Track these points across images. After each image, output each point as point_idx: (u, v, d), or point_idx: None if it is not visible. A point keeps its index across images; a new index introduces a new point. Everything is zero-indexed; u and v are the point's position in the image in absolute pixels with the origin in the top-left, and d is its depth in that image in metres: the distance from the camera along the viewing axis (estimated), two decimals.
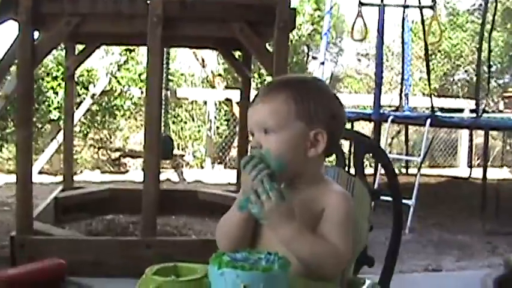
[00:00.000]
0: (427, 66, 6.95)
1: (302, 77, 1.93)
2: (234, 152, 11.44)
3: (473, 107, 10.80)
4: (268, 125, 1.62)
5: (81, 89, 9.44)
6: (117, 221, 5.68)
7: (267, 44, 4.89)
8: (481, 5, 13.92)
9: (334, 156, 1.84)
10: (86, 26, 4.48)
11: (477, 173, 9.68)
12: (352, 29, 7.51)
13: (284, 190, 1.57)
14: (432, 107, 6.84)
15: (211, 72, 10.74)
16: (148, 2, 4.37)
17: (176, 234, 5.38)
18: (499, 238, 5.70)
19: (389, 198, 1.95)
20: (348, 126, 6.67)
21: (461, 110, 10.82)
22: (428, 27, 7.08)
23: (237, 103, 9.75)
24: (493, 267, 4.75)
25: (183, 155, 11.10)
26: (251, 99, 5.78)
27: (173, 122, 10.92)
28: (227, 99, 10.13)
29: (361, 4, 7.04)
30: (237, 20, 4.48)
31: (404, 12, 8.05)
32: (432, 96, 7.19)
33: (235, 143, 11.45)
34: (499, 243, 5.57)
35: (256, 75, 10.20)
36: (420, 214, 6.40)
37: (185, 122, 11.30)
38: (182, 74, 11.74)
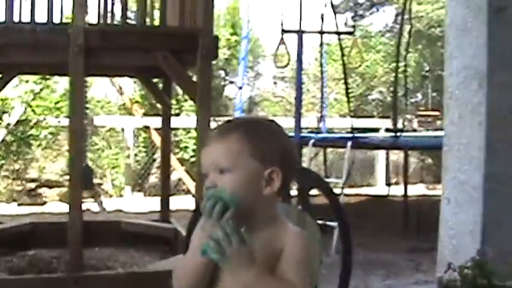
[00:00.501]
0: (346, 88, 7.10)
1: (254, 117, 1.94)
2: (152, 179, 11.32)
3: (389, 125, 11.10)
4: (223, 165, 1.62)
5: None
6: (40, 256, 5.49)
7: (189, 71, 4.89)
8: (392, 27, 14.38)
9: None
10: (3, 56, 4.37)
11: (395, 190, 9.92)
12: (275, 55, 7.60)
13: (244, 234, 1.55)
14: (352, 129, 6.97)
15: (129, 99, 10.62)
16: (69, 31, 4.30)
17: (102, 267, 5.25)
18: (422, 255, 5.81)
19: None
20: None
21: (377, 130, 11.07)
22: (349, 52, 7.23)
23: (156, 129, 9.68)
24: (419, 284, 4.86)
25: (101, 184, 10.91)
26: (171, 125, 5.69)
27: (90, 151, 10.72)
28: (145, 126, 10.04)
29: (283, 31, 7.13)
30: (160, 49, 4.46)
31: (322, 37, 8.19)
32: (350, 117, 7.33)
33: (154, 170, 11.37)
34: (422, 260, 5.69)
35: (173, 101, 10.15)
36: None
37: (102, 150, 11.11)
38: (99, 101, 11.56)
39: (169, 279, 4.36)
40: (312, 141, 6.98)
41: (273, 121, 1.79)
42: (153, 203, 8.61)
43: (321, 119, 9.13)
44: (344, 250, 1.96)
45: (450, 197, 4.56)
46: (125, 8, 4.74)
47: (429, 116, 11.65)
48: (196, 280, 1.63)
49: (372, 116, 13.47)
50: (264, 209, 1.65)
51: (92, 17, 4.88)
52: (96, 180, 10.21)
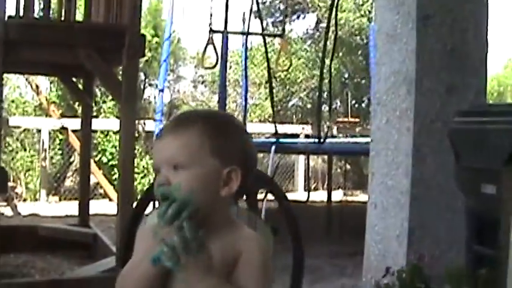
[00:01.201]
0: (271, 92, 7.04)
1: (213, 111, 1.82)
2: (68, 183, 11.00)
3: (308, 132, 11.17)
4: (178, 160, 1.47)
5: None
6: None
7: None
8: (313, 33, 14.49)
9: None
10: None
11: (314, 196, 9.97)
12: (203, 56, 7.46)
13: (202, 238, 1.41)
14: (276, 133, 6.92)
15: (46, 99, 10.27)
16: None
17: (18, 274, 5.01)
18: (346, 259, 5.83)
19: None
20: None
21: (296, 135, 11.11)
22: (278, 54, 7.18)
23: (74, 131, 9.40)
24: None
25: (15, 187, 10.50)
26: (92, 127, 5.44)
27: (4, 152, 10.31)
28: (63, 128, 9.73)
29: (212, 31, 7.01)
30: (84, 46, 4.28)
31: (246, 39, 8.14)
32: (270, 122, 7.29)
33: (69, 174, 11.05)
34: (346, 264, 5.70)
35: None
36: None
37: (16, 152, 10.71)
38: (13, 101, 11.13)
39: (89, 285, 4.17)
40: None
41: (233, 116, 1.68)
42: (69, 207, 8.36)
43: (243, 123, 9.06)
44: (295, 253, 1.89)
45: (377, 201, 4.58)
46: (47, 1, 4.54)
47: (348, 122, 11.79)
48: None
49: (291, 122, 13.51)
50: (220, 211, 1.52)
51: (10, 10, 4.63)
52: (9, 184, 9.84)
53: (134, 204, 1.98)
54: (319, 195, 10.24)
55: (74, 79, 6.25)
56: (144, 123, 9.51)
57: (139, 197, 4.46)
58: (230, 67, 13.34)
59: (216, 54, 7.27)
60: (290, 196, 11.15)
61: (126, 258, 1.61)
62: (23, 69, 6.40)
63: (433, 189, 4.32)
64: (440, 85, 4.26)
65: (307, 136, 10.99)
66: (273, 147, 6.61)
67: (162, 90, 9.28)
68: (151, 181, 8.81)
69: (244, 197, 1.90)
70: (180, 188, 1.44)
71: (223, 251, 1.48)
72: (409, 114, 4.30)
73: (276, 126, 6.88)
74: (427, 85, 4.29)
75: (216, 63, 7.44)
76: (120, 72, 4.69)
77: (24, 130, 10.59)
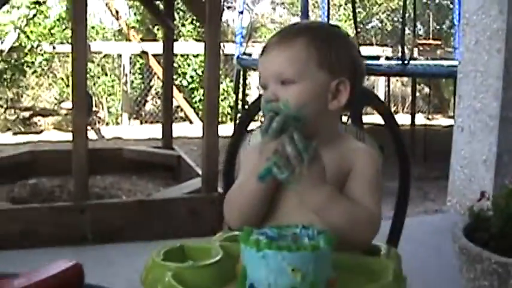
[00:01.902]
0: (354, 13, 6.87)
1: (317, 22, 1.77)
2: (148, 107, 11.18)
3: (389, 54, 10.92)
4: (286, 75, 1.43)
5: None
6: (42, 185, 5.38)
7: None
8: None
9: None
10: None
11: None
12: None
13: (316, 147, 1.35)
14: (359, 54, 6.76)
15: (126, 24, 10.35)
16: None
17: (105, 195, 5.15)
18: (429, 183, 5.75)
19: None
20: None
21: (377, 58, 10.88)
22: None
23: (154, 55, 9.48)
24: (429, 213, 4.81)
25: (97, 111, 10.75)
26: (174, 51, 5.37)
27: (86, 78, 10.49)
28: (143, 52, 9.83)
29: None
30: None
31: None
32: (357, 43, 7.11)
33: (149, 98, 11.21)
34: (430, 188, 5.62)
35: None
36: None
37: (98, 77, 10.91)
38: (93, 27, 11.27)
39: (175, 206, 4.22)
40: None
41: (338, 27, 1.62)
42: (150, 131, 8.50)
43: None
44: (402, 169, 1.87)
45: (464, 125, 4.48)
46: None
47: (430, 45, 11.46)
48: (254, 208, 1.45)
49: (371, 44, 13.24)
50: (329, 125, 1.50)
51: None
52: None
53: (233, 125, 1.95)
54: (399, 119, 10.08)
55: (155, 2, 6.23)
56: (224, 46, 9.47)
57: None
58: None
59: None
60: (370, 119, 11.05)
61: (229, 179, 1.61)
62: None
63: None
64: None
65: (387, 58, 10.75)
66: None
67: (241, 12, 9.19)
68: (241, 102, 8.84)
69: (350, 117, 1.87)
70: (288, 103, 1.40)
71: (335, 162, 1.44)
72: (500, 35, 4.15)
73: (359, 47, 6.71)
74: None
75: None
76: None
77: (105, 55, 10.74)
